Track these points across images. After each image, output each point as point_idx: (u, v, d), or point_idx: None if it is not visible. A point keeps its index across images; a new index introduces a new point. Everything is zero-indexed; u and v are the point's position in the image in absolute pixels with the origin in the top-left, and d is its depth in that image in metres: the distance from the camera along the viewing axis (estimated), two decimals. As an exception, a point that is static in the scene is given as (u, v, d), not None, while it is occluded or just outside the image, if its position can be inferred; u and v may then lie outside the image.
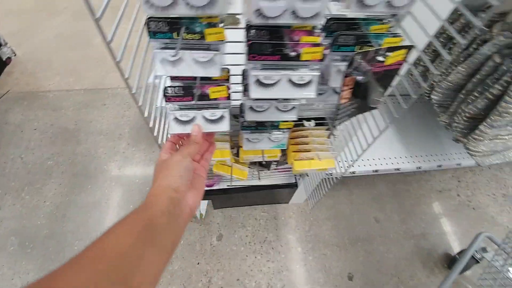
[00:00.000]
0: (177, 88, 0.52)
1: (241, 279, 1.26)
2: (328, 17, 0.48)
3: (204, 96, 0.53)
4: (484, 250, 1.29)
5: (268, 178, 1.29)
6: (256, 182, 1.26)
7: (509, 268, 1.15)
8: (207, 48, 0.48)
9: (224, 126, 0.54)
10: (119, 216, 1.07)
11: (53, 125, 1.74)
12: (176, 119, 0.53)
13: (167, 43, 0.47)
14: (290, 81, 0.46)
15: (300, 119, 0.81)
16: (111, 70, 2.03)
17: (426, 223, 1.46)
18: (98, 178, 1.53)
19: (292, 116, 0.58)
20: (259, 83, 0.46)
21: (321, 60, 0.44)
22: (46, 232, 1.36)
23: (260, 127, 0.64)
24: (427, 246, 1.39)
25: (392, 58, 0.44)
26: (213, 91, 0.52)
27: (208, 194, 1.27)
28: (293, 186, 1.27)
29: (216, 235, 1.38)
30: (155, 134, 0.53)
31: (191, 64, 0.48)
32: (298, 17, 0.39)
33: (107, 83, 1.98)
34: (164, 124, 0.58)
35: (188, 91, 0.52)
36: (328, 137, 0.82)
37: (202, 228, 1.39)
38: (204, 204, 1.44)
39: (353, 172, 1.32)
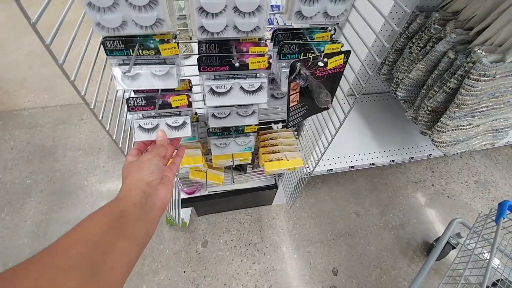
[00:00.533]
0: (139, 98, 0.55)
1: (228, 284, 1.28)
2: (275, 28, 0.52)
3: (166, 105, 0.57)
4: (458, 235, 1.36)
5: (249, 181, 1.32)
6: (237, 186, 1.29)
7: (483, 250, 1.22)
8: (164, 62, 0.51)
9: (187, 132, 0.57)
10: None
11: (29, 143, 1.72)
12: (140, 127, 0.56)
13: (124, 60, 0.50)
14: (242, 88, 0.50)
15: (268, 122, 0.85)
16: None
17: (404, 214, 1.52)
18: (78, 193, 1.52)
19: (253, 121, 0.62)
20: (213, 91, 0.50)
21: (268, 68, 0.48)
22: (29, 251, 1.34)
23: (226, 132, 0.68)
24: (406, 236, 1.46)
25: (332, 63, 0.49)
26: (173, 100, 0.56)
27: (190, 202, 1.29)
28: (273, 188, 1.31)
29: (201, 242, 1.40)
30: (120, 145, 0.56)
31: (150, 78, 0.51)
32: (240, 31, 0.43)
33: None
34: (130, 135, 0.60)
35: (150, 101, 0.55)
36: (297, 138, 0.86)
37: (187, 236, 1.41)
38: (187, 212, 1.45)
39: (331, 170, 1.38)
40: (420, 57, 1.15)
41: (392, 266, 1.37)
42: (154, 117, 0.57)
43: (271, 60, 0.48)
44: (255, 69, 0.48)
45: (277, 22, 0.84)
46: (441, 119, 1.10)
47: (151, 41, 0.48)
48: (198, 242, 1.39)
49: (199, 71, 0.48)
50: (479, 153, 1.77)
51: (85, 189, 1.54)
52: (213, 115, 0.61)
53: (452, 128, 1.13)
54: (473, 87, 0.97)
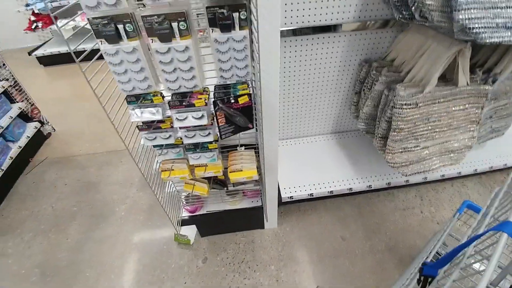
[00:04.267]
0: (143, 124, 1.06)
1: (220, 294, 1.58)
2: (215, 84, 1.02)
3: (159, 127, 1.07)
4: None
5: (240, 203, 1.70)
6: (229, 207, 1.68)
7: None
8: (155, 106, 1.02)
9: (171, 140, 1.05)
10: (126, 245, 1.62)
11: (79, 180, 2.37)
12: (145, 138, 1.05)
13: (135, 106, 1.03)
14: (193, 117, 0.97)
15: (235, 146, 1.30)
16: (127, 136, 2.74)
17: (390, 239, 1.71)
18: (111, 218, 2.04)
19: (210, 139, 1.08)
20: (178, 119, 0.98)
21: (206, 105, 0.96)
22: (65, 263, 1.82)
23: (197, 148, 1.14)
24: (392, 260, 1.63)
25: (242, 100, 0.95)
26: (163, 125, 1.05)
27: (192, 219, 1.70)
28: (259, 209, 1.67)
29: (202, 259, 1.75)
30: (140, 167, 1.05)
31: (148, 114, 1.03)
32: (187, 88, 0.93)
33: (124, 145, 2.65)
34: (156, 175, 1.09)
35: (148, 125, 1.06)
36: (256, 156, 1.29)
37: (191, 253, 1.78)
38: (193, 232, 1.85)
39: (311, 194, 1.72)
40: (369, 96, 1.55)
41: (377, 286, 1.54)
42: (153, 133, 1.07)
43: (206, 101, 0.96)
44: (199, 106, 0.96)
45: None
46: (387, 142, 1.43)
47: (149, 96, 1.01)
48: (199, 259, 1.75)
49: (170, 108, 0.98)
50: (471, 181, 1.93)
51: (117, 214, 2.06)
52: (185, 136, 1.08)
53: (400, 150, 1.44)
54: (401, 114, 1.33)
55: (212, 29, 0.89)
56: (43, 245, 1.93)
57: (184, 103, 0.96)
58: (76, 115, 3.18)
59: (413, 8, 1.24)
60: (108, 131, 2.86)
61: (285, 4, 1.34)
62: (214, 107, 0.93)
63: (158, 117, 1.02)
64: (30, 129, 2.67)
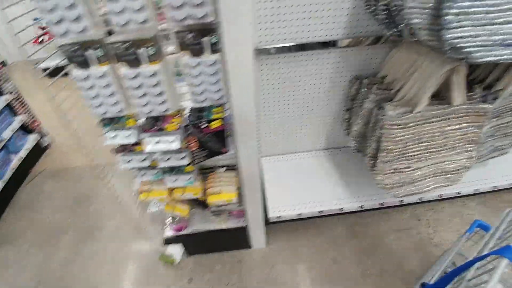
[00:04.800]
0: (119, 146, 1.05)
1: (204, 318, 1.54)
2: (191, 107, 1.01)
3: (134, 150, 1.06)
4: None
5: (226, 223, 1.67)
6: (214, 227, 1.65)
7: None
8: (129, 128, 1.02)
9: (146, 163, 1.04)
10: (117, 259, 1.61)
11: (74, 192, 2.39)
12: (121, 160, 1.05)
13: (109, 128, 1.02)
14: (164, 141, 0.96)
15: (217, 166, 1.28)
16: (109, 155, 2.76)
17: (383, 262, 1.64)
18: (101, 232, 2.03)
19: (185, 163, 1.07)
20: (149, 144, 0.97)
21: (177, 129, 0.95)
22: (58, 274, 1.82)
23: (173, 171, 1.12)
24: (385, 284, 1.56)
25: (214, 124, 0.93)
26: (137, 148, 1.05)
27: (178, 238, 1.68)
28: (242, 229, 1.63)
29: (187, 279, 1.71)
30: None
31: (122, 137, 1.02)
32: (159, 112, 0.92)
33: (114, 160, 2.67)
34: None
35: (124, 146, 1.05)
36: (237, 177, 1.26)
37: (176, 273, 1.75)
38: (179, 251, 1.82)
39: (300, 214, 1.67)
40: (359, 114, 1.51)
41: (367, 314, 1.47)
42: (130, 155, 1.06)
43: (179, 125, 0.95)
44: (171, 130, 0.95)
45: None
46: (376, 163, 1.38)
47: (123, 119, 1.00)
48: (185, 279, 1.72)
49: (143, 132, 0.97)
50: (474, 200, 1.85)
51: (106, 229, 2.06)
52: (161, 158, 1.07)
53: (391, 171, 1.39)
54: (389, 135, 1.29)
55: (183, 54, 0.88)
56: (38, 257, 1.93)
57: (155, 127, 0.95)
58: (76, 126, 3.23)
59: (401, 26, 1.21)
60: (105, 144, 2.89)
61: (265, 23, 1.33)
62: (186, 132, 0.91)
63: (133, 140, 1.01)
64: (31, 141, 2.72)
